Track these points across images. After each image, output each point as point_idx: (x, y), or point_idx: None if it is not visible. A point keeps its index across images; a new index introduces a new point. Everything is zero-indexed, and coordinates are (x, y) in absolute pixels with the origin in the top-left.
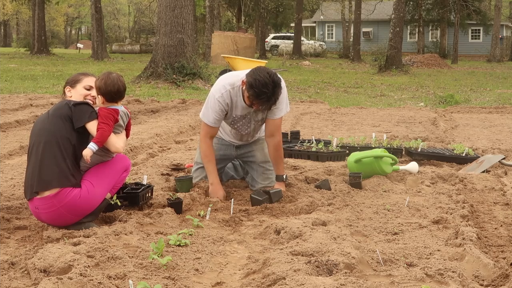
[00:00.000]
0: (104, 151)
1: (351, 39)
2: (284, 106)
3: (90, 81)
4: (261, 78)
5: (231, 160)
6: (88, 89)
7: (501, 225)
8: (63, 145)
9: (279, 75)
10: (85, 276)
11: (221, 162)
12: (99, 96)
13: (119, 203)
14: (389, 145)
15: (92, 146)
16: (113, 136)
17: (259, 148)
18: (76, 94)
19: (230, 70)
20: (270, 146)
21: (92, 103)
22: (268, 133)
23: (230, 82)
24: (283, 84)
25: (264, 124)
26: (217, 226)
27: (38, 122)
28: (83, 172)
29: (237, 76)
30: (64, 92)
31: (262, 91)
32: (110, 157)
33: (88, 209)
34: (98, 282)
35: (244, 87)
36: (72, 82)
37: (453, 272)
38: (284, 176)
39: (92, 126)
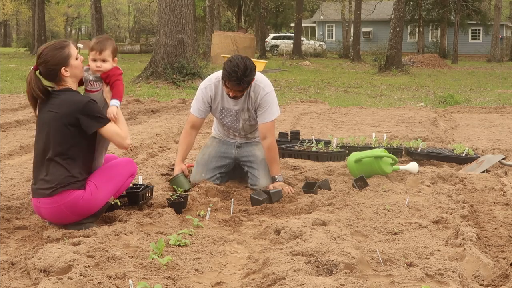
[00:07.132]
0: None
1: (351, 39)
2: (273, 110)
3: (74, 49)
4: (234, 61)
5: (232, 160)
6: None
7: (501, 225)
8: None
9: (252, 62)
10: (85, 276)
11: (221, 160)
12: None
13: (119, 203)
14: (389, 145)
15: (115, 103)
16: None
17: (260, 148)
18: (74, 70)
19: None
20: (264, 148)
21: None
22: (261, 136)
23: (217, 75)
24: (270, 87)
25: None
26: (217, 226)
27: (46, 118)
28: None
29: None
30: (60, 76)
31: (233, 70)
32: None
33: (89, 210)
34: (98, 282)
35: None
36: (64, 61)
37: (453, 272)
38: (278, 177)
39: (105, 130)
